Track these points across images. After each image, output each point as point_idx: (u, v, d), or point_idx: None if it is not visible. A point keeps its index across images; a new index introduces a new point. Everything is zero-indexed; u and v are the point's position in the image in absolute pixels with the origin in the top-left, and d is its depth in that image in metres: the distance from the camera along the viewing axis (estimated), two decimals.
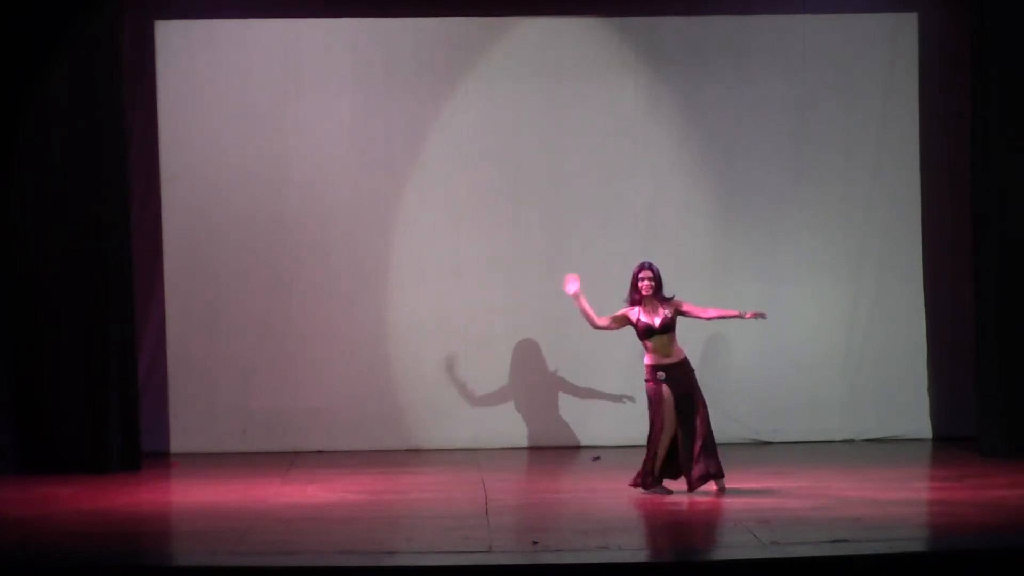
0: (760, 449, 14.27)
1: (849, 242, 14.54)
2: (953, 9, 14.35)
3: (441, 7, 14.36)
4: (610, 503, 11.53)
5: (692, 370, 11.86)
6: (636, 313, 11.77)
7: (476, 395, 14.33)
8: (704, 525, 10.76)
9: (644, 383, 11.85)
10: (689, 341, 14.28)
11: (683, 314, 11.81)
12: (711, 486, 11.70)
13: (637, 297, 11.78)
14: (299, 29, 14.36)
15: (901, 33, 14.55)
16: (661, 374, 11.74)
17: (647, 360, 11.79)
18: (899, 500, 11.41)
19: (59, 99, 13.21)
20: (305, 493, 12.14)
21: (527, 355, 14.37)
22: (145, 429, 13.70)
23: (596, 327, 11.87)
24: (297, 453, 14.12)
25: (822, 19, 14.50)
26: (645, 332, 11.73)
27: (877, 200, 14.54)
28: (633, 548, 10.11)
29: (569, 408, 14.39)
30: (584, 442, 14.35)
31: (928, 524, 10.89)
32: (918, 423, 14.57)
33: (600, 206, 14.45)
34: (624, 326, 11.87)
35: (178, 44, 14.25)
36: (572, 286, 11.83)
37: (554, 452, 14.27)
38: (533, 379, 14.38)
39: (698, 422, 11.68)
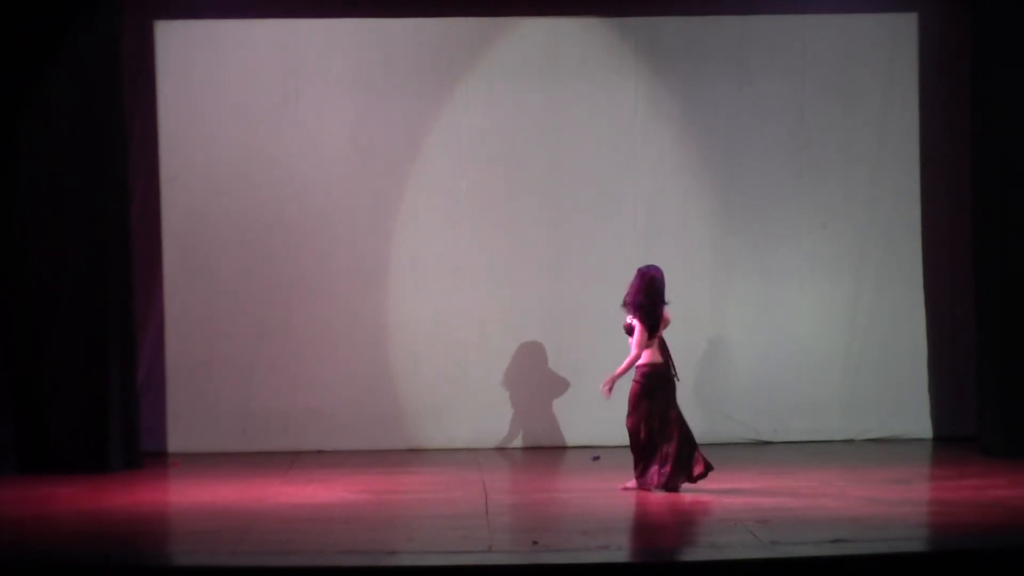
0: (760, 449, 14.27)
1: (849, 242, 14.54)
2: (953, 9, 14.35)
3: (441, 7, 14.36)
4: (610, 503, 11.53)
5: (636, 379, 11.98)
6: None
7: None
8: (703, 524, 10.76)
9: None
10: (688, 341, 14.31)
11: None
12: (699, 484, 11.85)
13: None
14: (299, 29, 14.36)
15: (901, 33, 14.55)
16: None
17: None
18: (899, 500, 11.41)
19: (59, 99, 13.21)
20: (305, 493, 12.13)
21: (527, 355, 14.37)
22: (145, 429, 13.71)
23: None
24: (297, 453, 14.12)
25: (822, 19, 14.50)
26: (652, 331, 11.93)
27: (877, 200, 14.54)
28: (633, 548, 10.12)
29: (569, 408, 14.38)
30: (584, 442, 14.34)
31: (928, 524, 10.89)
32: (918, 423, 14.56)
33: (600, 206, 14.44)
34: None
35: (178, 44, 14.25)
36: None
37: (554, 452, 14.27)
38: (533, 379, 14.38)
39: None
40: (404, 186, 14.42)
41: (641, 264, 12.25)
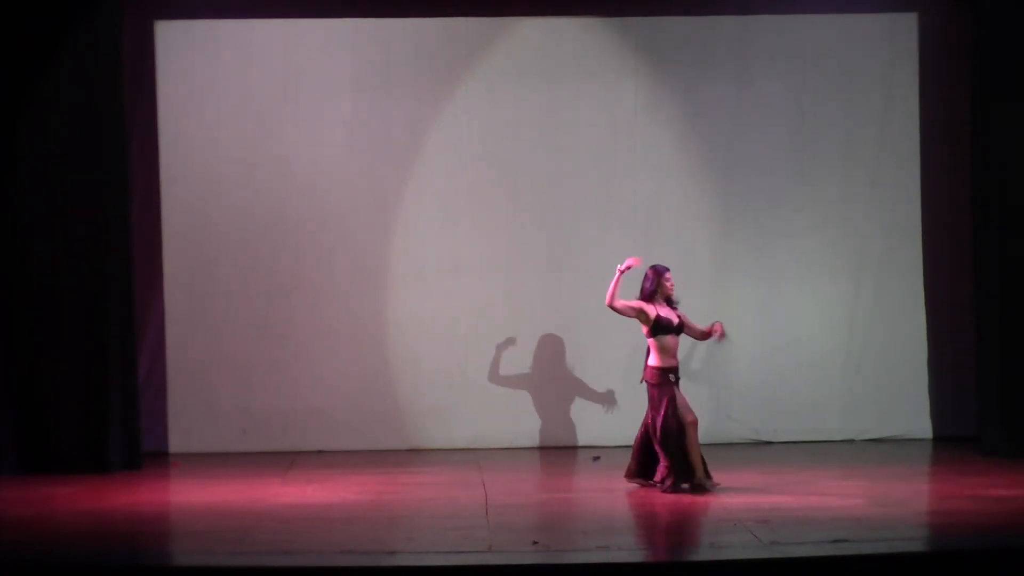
0: (760, 449, 14.27)
1: (849, 242, 14.54)
2: (953, 9, 14.35)
3: (441, 7, 14.36)
4: (610, 503, 11.53)
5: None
6: (654, 309, 11.87)
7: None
8: (703, 524, 10.76)
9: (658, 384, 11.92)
10: (688, 341, 14.30)
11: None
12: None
13: (659, 295, 11.95)
14: (299, 29, 14.37)
15: (901, 33, 14.55)
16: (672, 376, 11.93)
17: (659, 362, 11.83)
18: (899, 500, 11.41)
19: (59, 99, 13.22)
20: (305, 493, 12.14)
21: (526, 355, 14.37)
22: (145, 429, 13.72)
23: (612, 306, 11.92)
24: (297, 453, 14.12)
25: (822, 19, 14.51)
26: (665, 329, 11.85)
27: (877, 200, 14.55)
28: (633, 548, 10.12)
29: (569, 408, 14.39)
30: (584, 442, 14.35)
31: (928, 524, 10.89)
32: (918, 423, 14.57)
33: (600, 206, 14.45)
34: (637, 317, 11.92)
35: (178, 44, 14.25)
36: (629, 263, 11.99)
37: (554, 452, 14.26)
38: (533, 379, 14.38)
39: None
40: (404, 186, 14.43)
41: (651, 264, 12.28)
